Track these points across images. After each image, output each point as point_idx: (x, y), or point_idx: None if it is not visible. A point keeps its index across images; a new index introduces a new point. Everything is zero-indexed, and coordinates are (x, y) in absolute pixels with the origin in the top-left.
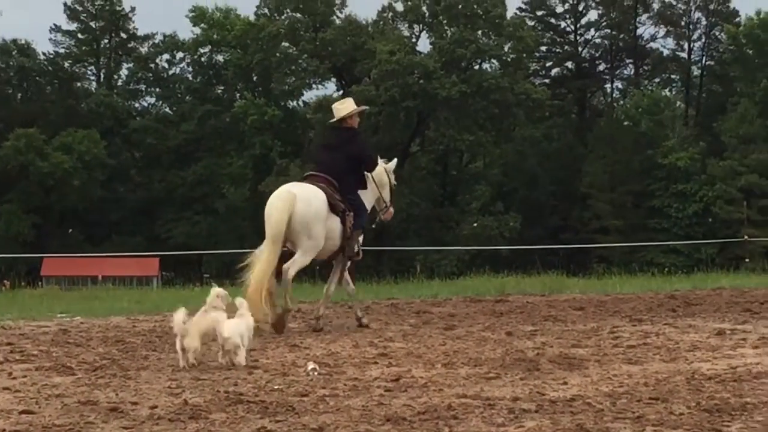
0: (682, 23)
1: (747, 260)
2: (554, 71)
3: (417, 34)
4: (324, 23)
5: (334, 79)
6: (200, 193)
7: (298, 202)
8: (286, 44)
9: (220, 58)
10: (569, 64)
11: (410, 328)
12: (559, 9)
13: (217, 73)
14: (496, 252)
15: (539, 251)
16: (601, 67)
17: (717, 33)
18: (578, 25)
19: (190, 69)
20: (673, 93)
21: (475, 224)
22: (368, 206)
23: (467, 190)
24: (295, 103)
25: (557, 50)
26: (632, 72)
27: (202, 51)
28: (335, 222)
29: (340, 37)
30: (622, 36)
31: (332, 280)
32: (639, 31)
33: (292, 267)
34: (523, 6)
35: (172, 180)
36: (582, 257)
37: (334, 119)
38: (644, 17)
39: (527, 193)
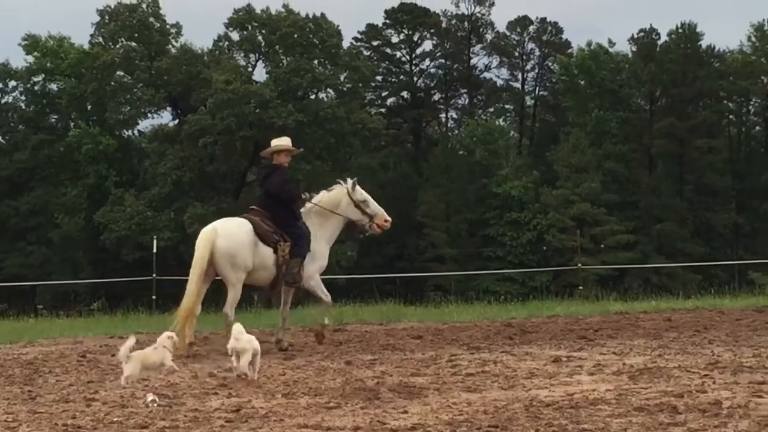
0: (516, 54)
1: (580, 288)
2: (390, 101)
3: (253, 63)
4: (159, 52)
5: (169, 108)
6: (34, 223)
7: (218, 238)
8: (121, 73)
9: (53, 86)
10: (405, 94)
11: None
12: (395, 39)
13: (51, 102)
14: (333, 281)
15: (376, 280)
16: (436, 97)
17: (550, 64)
18: (413, 55)
19: (23, 98)
20: (507, 122)
21: None
22: (334, 232)
23: None
24: (130, 132)
25: (393, 80)
26: (467, 102)
27: (35, 79)
28: (266, 251)
29: (176, 66)
30: (456, 66)
31: (284, 306)
32: (473, 62)
33: (228, 309)
34: (359, 36)
35: (4, 210)
36: (419, 286)
37: (266, 154)
38: (478, 48)
39: None
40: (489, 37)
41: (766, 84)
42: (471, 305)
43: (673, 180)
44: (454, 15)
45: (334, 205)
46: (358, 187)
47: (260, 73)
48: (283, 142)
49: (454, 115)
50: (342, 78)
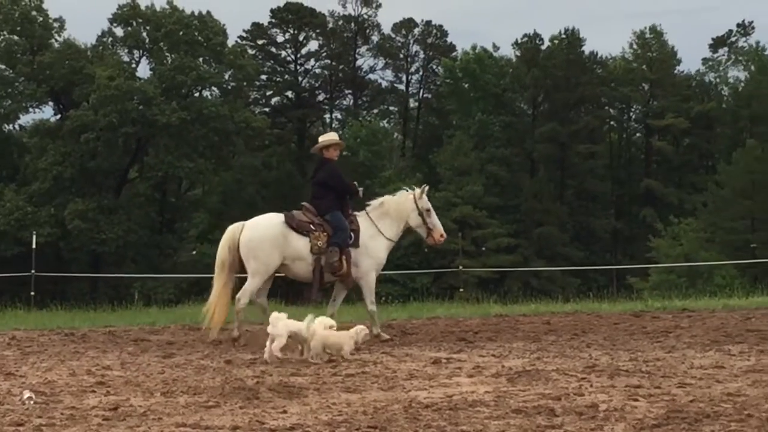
0: (401, 56)
1: (461, 290)
2: (274, 100)
3: (137, 59)
4: (42, 46)
5: (51, 103)
6: None
7: (244, 231)
8: (2, 66)
9: None
10: (289, 94)
11: (128, 356)
12: (280, 38)
13: None
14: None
15: None
16: (321, 97)
17: (434, 66)
18: (298, 55)
19: None
20: (391, 124)
21: (194, 252)
22: (390, 232)
23: (186, 218)
24: (10, 126)
25: (277, 79)
26: (351, 102)
27: None
28: (301, 241)
29: (59, 60)
30: (341, 67)
31: (367, 301)
32: (358, 63)
33: (242, 296)
34: (244, 35)
35: None
36: (300, 286)
37: (316, 150)
38: (363, 49)
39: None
40: (375, 38)
41: (646, 91)
42: (351, 306)
43: (554, 184)
44: (340, 16)
45: (399, 209)
46: (425, 196)
47: (144, 70)
48: (331, 136)
49: (339, 116)
50: (226, 76)
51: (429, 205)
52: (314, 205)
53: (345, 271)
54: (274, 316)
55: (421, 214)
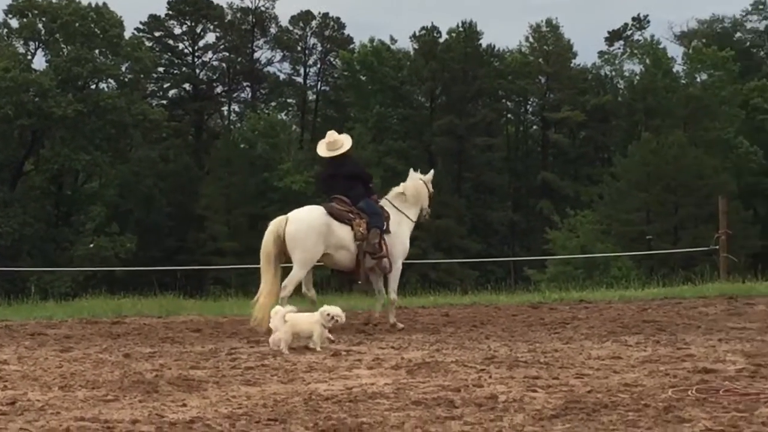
0: (299, 48)
1: (359, 282)
2: (172, 92)
3: (33, 51)
4: None
5: None
6: None
7: (288, 223)
8: None
9: None
10: (187, 86)
11: (25, 351)
12: (177, 30)
13: None
14: (111, 273)
15: (156, 272)
16: (219, 90)
17: (332, 59)
18: (196, 48)
19: None
20: (289, 117)
21: (92, 245)
22: (413, 217)
23: (82, 211)
24: None
25: (175, 72)
26: (249, 95)
27: None
28: (343, 230)
29: None
30: (239, 59)
31: (390, 289)
32: (256, 55)
33: (288, 284)
34: (141, 26)
35: None
36: (198, 279)
37: (330, 154)
38: (261, 41)
39: (143, 214)
40: (272, 30)
41: (543, 84)
42: (250, 299)
43: (452, 177)
44: (238, 8)
45: (417, 194)
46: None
47: (40, 62)
48: (343, 142)
49: (237, 109)
50: (123, 68)
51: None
52: (347, 196)
53: (384, 252)
54: (275, 309)
55: (429, 197)
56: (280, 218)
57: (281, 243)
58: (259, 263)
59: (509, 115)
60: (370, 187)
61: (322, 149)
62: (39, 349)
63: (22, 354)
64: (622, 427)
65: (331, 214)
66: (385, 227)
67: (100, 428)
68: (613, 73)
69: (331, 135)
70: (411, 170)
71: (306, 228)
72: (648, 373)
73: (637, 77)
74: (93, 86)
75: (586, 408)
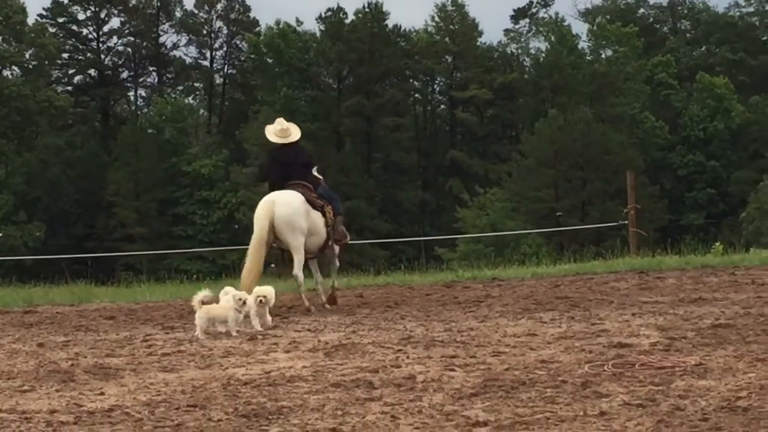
0: (204, 32)
1: (272, 265)
2: (77, 79)
3: None
4: None
5: None
6: None
7: (276, 207)
8: None
9: None
10: (92, 72)
11: None
12: (81, 16)
13: None
14: (19, 262)
15: (66, 260)
16: (125, 75)
17: (238, 42)
18: (100, 33)
19: None
20: (196, 101)
21: (1, 234)
22: None
23: None
24: None
25: (80, 57)
26: (155, 80)
27: None
28: (317, 216)
29: None
30: (145, 44)
31: (333, 269)
32: (162, 39)
33: (297, 271)
34: (44, 12)
35: None
36: (109, 265)
37: (283, 141)
38: (167, 25)
39: (51, 201)
40: (178, 14)
41: (450, 63)
42: (163, 284)
43: (361, 158)
44: None
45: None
46: None
47: None
48: (292, 131)
49: (143, 94)
50: (27, 55)
51: None
52: (310, 183)
53: (347, 239)
54: (224, 290)
55: None
56: (268, 202)
57: (272, 227)
58: (166, 249)
59: (417, 95)
60: (317, 174)
61: (273, 136)
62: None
63: None
64: (540, 403)
65: (308, 200)
66: (341, 212)
67: (17, 419)
68: (519, 51)
69: (281, 123)
70: None
71: (296, 213)
72: (564, 349)
73: (543, 55)
74: None
75: (504, 386)
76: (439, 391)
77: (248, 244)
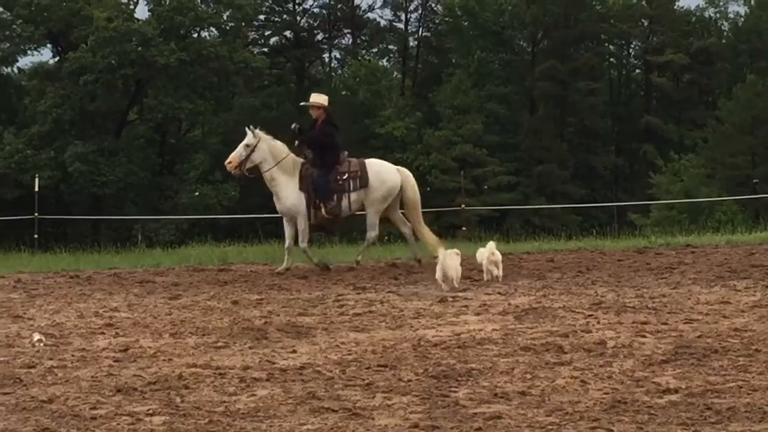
0: None
1: (463, 228)
2: (273, 40)
3: (135, 0)
4: None
5: (50, 46)
6: None
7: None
8: (0, 9)
9: None
10: (288, 33)
11: (135, 298)
12: None
13: None
14: (215, 221)
15: (260, 220)
16: (320, 37)
17: (433, 4)
18: None
19: None
20: (390, 63)
21: (197, 193)
22: None
23: (186, 159)
24: (9, 69)
25: (276, 19)
26: (350, 42)
27: None
28: None
29: (56, 2)
30: (340, 6)
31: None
32: (357, 1)
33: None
34: None
35: None
36: None
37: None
38: None
39: None
40: None
41: (646, 27)
42: (355, 245)
43: (554, 122)
44: None
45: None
46: None
47: (142, 11)
48: (316, 98)
49: (338, 56)
50: (225, 17)
51: None
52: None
53: None
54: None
55: None
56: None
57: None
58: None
59: (611, 59)
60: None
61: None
62: (148, 297)
63: (131, 302)
64: (733, 372)
65: None
66: None
67: (211, 374)
68: (718, 15)
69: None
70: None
71: None
72: (758, 318)
73: (742, 19)
74: (195, 35)
75: (696, 353)
76: (630, 357)
77: (438, 207)
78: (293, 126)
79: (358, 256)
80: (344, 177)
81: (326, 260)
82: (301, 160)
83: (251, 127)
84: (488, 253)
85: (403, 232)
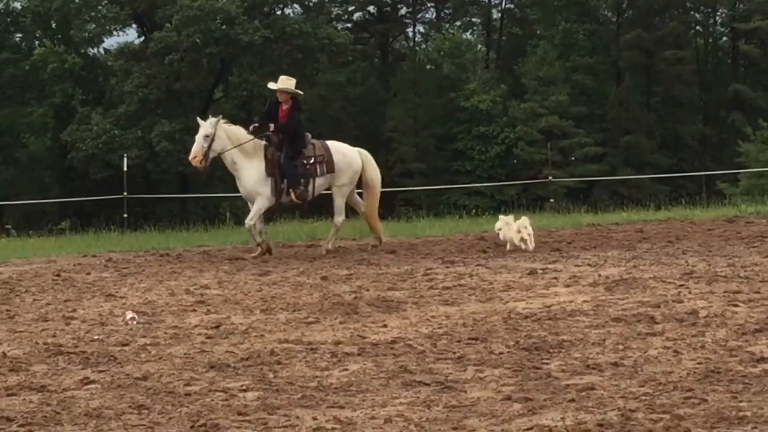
0: None
1: (551, 200)
2: (356, 15)
3: None
4: None
5: (135, 26)
6: (0, 144)
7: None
8: None
9: (17, 4)
10: (371, 8)
11: (225, 275)
12: None
13: (15, 21)
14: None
15: None
16: (403, 11)
17: None
18: None
19: None
20: (474, 36)
21: None
22: None
23: None
24: (95, 50)
25: None
26: (434, 16)
27: None
28: None
29: None
30: None
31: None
32: None
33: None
34: None
35: None
36: (389, 201)
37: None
38: None
39: (332, 137)
40: None
41: None
42: (442, 219)
43: (640, 92)
44: None
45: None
46: None
47: None
48: (283, 83)
49: (421, 30)
50: None
51: None
52: None
53: None
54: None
55: None
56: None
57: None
58: (445, 185)
59: (698, 27)
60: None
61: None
62: (238, 274)
63: (222, 278)
64: None
65: None
66: None
67: (303, 350)
68: None
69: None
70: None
71: None
72: None
73: None
74: (278, 12)
75: None
76: (722, 326)
77: (524, 179)
78: (252, 127)
79: (327, 244)
80: (311, 162)
81: (270, 242)
82: (263, 142)
83: (202, 118)
84: (516, 228)
85: (360, 213)
